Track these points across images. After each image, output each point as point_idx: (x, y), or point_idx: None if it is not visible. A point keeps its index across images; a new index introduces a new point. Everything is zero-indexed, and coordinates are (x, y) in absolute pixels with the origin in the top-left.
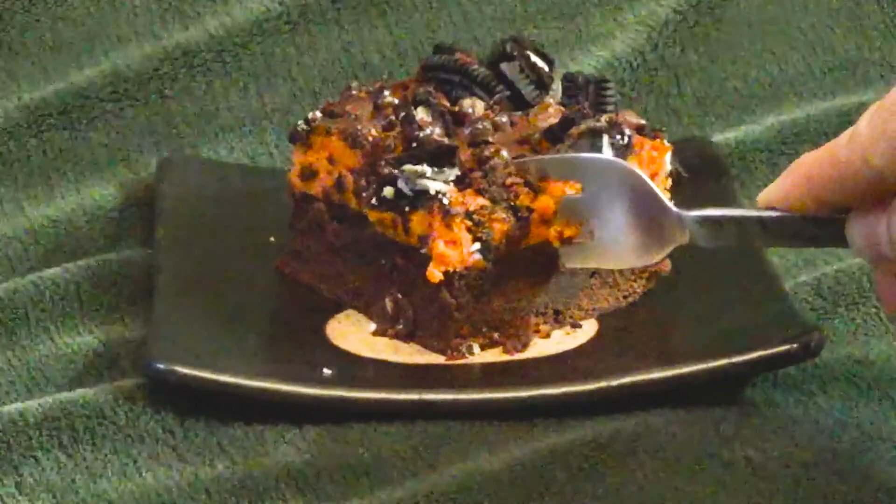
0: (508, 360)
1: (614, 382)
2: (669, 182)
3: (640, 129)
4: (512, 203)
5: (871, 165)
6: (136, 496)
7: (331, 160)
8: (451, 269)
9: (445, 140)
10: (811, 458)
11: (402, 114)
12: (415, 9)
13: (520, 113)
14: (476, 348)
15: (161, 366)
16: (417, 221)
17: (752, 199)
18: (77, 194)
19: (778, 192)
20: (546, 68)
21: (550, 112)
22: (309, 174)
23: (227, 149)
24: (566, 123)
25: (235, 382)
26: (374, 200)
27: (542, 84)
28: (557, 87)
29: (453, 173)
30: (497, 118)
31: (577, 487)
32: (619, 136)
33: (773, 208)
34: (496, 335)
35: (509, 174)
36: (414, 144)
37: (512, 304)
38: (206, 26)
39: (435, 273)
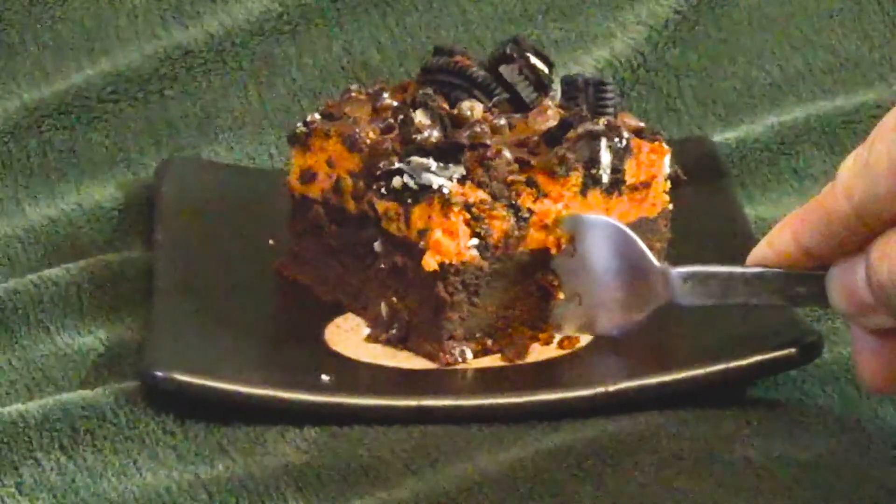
0: (507, 364)
1: (612, 388)
2: (668, 185)
3: (638, 132)
4: (513, 201)
5: (852, 203)
6: (136, 496)
7: (329, 163)
8: (446, 261)
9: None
10: (811, 458)
11: (401, 116)
12: (415, 9)
13: (518, 115)
14: (469, 354)
15: (160, 374)
16: (418, 215)
17: (753, 199)
18: (77, 194)
19: (766, 246)
20: (546, 70)
21: (549, 115)
22: (308, 176)
23: (227, 149)
24: (564, 126)
25: (234, 390)
26: (383, 190)
27: (542, 86)
28: (557, 89)
29: (458, 171)
30: (495, 121)
31: (577, 487)
32: (617, 139)
33: (759, 266)
34: (489, 342)
35: (511, 171)
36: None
37: (507, 312)
38: (206, 26)
39: (430, 261)
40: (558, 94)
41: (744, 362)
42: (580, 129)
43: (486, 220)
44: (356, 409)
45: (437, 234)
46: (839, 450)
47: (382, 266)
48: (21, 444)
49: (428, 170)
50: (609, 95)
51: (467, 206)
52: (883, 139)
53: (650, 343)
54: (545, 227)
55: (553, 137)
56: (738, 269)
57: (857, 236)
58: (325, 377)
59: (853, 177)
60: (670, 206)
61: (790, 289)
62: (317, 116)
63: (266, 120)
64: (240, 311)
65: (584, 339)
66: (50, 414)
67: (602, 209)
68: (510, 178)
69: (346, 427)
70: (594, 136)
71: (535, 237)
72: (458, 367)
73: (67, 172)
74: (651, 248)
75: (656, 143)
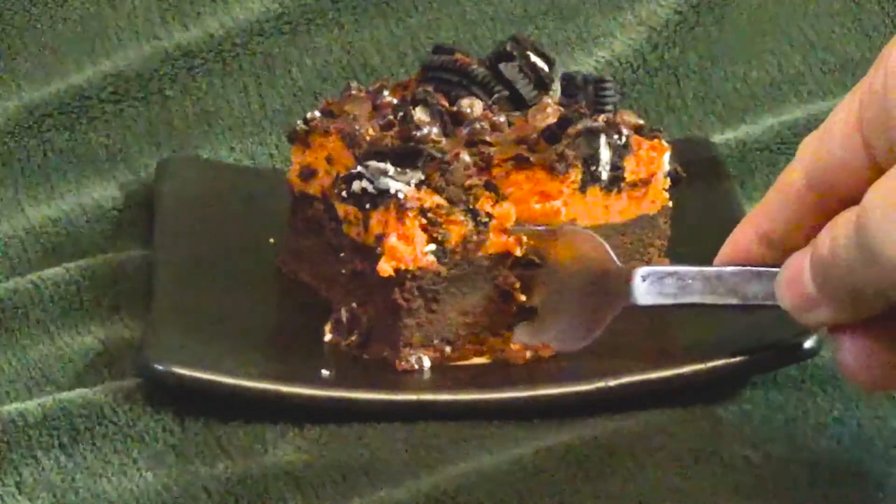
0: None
1: (613, 382)
2: (668, 182)
3: (638, 129)
4: (471, 206)
5: (805, 169)
6: (136, 496)
7: (329, 160)
8: (402, 267)
9: (444, 139)
10: (811, 458)
11: (401, 113)
12: (415, 9)
13: (518, 113)
14: (426, 361)
15: (159, 367)
16: (376, 221)
17: (753, 199)
18: (77, 194)
19: (727, 243)
20: (546, 68)
21: (549, 112)
22: (308, 173)
23: (227, 149)
24: (564, 123)
25: (233, 384)
26: (343, 193)
27: (542, 84)
28: (557, 87)
29: (416, 176)
30: (495, 118)
31: (577, 487)
32: (616, 136)
33: (722, 265)
34: (448, 349)
35: (469, 176)
36: (411, 144)
37: (468, 318)
38: (206, 26)
39: (385, 267)
40: (558, 92)
41: (744, 357)
42: (579, 126)
43: (444, 226)
44: (356, 403)
45: (393, 239)
46: (839, 450)
47: (343, 271)
48: (21, 443)
49: (386, 174)
50: (609, 93)
51: (423, 212)
52: (842, 108)
53: (651, 339)
54: (505, 231)
55: (552, 134)
56: (695, 268)
57: (811, 213)
58: (325, 372)
59: (809, 143)
60: (670, 204)
61: (746, 286)
62: (317, 114)
63: (266, 120)
64: (240, 308)
65: None
66: (49, 413)
67: (601, 206)
68: (468, 182)
69: (345, 426)
70: (593, 133)
71: (495, 241)
72: (457, 362)
73: (67, 172)
74: (651, 246)
75: (656, 140)
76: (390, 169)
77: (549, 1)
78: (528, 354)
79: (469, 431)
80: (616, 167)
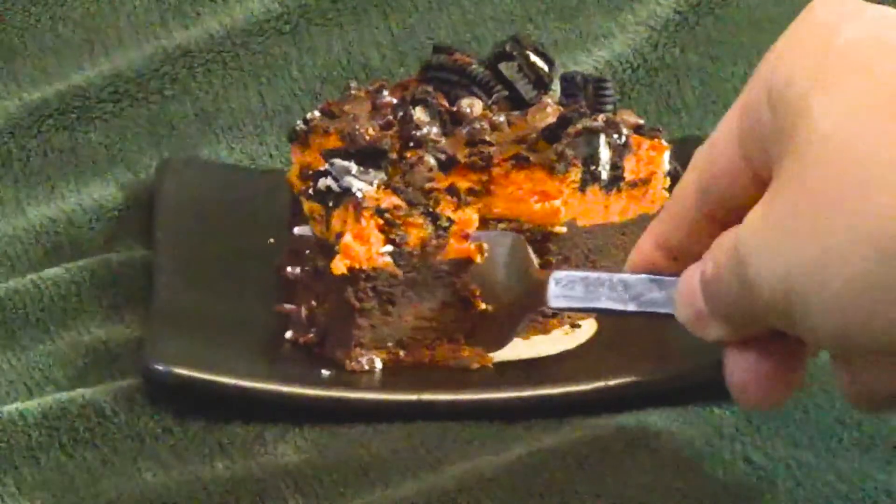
0: (507, 360)
1: (613, 382)
2: (668, 182)
3: (638, 129)
4: (431, 210)
5: (696, 177)
6: (136, 496)
7: None
8: (357, 266)
9: (444, 138)
10: (811, 458)
11: (400, 113)
12: (415, 9)
13: (518, 112)
14: (378, 363)
15: (159, 367)
16: (336, 218)
17: None
18: (77, 194)
19: (633, 250)
20: (546, 68)
21: (548, 112)
22: (308, 173)
23: (227, 149)
24: (563, 123)
25: (233, 384)
26: (310, 190)
27: (542, 84)
28: (556, 87)
29: (379, 176)
30: (495, 118)
31: (577, 487)
32: (616, 136)
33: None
34: (401, 353)
35: (430, 179)
36: (411, 143)
37: (425, 322)
38: (206, 26)
39: (339, 265)
40: (558, 92)
41: None
42: (579, 126)
43: (402, 227)
44: (356, 403)
45: (348, 237)
46: (839, 450)
47: (306, 268)
48: (21, 443)
49: (349, 173)
50: (608, 93)
51: (380, 212)
52: (725, 119)
53: (651, 338)
54: (466, 237)
55: (552, 134)
56: (604, 274)
57: (704, 223)
58: (325, 372)
59: (699, 153)
60: None
61: (649, 294)
62: (316, 114)
63: (266, 120)
64: (240, 308)
65: (584, 336)
66: (49, 413)
67: (601, 206)
68: (428, 185)
69: (345, 426)
70: (593, 133)
71: (455, 247)
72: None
73: (67, 172)
74: None
75: (655, 139)
76: (354, 168)
77: (549, 1)
78: (476, 362)
79: (469, 431)
80: (616, 167)
